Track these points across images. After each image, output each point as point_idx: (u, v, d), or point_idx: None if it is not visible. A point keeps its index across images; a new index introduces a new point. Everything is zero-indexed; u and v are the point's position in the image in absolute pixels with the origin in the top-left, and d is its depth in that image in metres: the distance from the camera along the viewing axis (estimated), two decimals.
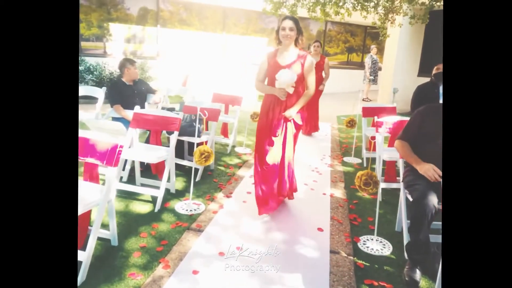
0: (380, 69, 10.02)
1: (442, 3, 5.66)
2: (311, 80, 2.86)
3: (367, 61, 10.03)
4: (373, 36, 12.72)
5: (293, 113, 2.79)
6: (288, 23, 2.74)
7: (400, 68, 8.94)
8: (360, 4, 6.00)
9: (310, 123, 5.76)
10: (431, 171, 2.14)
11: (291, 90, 2.79)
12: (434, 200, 2.03)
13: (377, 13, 6.40)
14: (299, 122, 2.91)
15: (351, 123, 4.51)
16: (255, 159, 2.91)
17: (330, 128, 6.57)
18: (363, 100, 9.69)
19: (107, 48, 8.66)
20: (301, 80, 2.83)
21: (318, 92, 5.65)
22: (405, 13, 6.23)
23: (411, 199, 2.24)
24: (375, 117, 3.59)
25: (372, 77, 10.01)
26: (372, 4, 6.08)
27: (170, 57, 9.18)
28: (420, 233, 2.08)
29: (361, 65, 12.39)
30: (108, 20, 8.56)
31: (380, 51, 10.22)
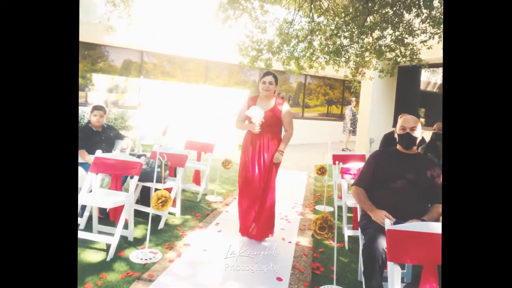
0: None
1: (408, 58, 6.01)
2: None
3: (348, 113, 10.35)
4: (351, 89, 13.23)
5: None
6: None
7: (376, 118, 9.25)
8: (332, 59, 6.30)
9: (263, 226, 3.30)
10: (381, 220, 2.13)
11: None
12: (384, 244, 1.99)
13: (348, 67, 6.73)
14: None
15: (321, 171, 4.48)
16: None
17: (307, 177, 6.59)
18: (342, 150, 9.84)
19: (89, 97, 8.79)
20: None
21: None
22: (375, 67, 6.57)
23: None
24: (340, 164, 3.63)
25: (352, 128, 10.29)
26: (343, 59, 6.40)
27: (151, 107, 9.32)
28: (372, 279, 2.00)
29: (340, 117, 12.77)
30: (91, 71, 8.78)
31: (358, 103, 10.63)
